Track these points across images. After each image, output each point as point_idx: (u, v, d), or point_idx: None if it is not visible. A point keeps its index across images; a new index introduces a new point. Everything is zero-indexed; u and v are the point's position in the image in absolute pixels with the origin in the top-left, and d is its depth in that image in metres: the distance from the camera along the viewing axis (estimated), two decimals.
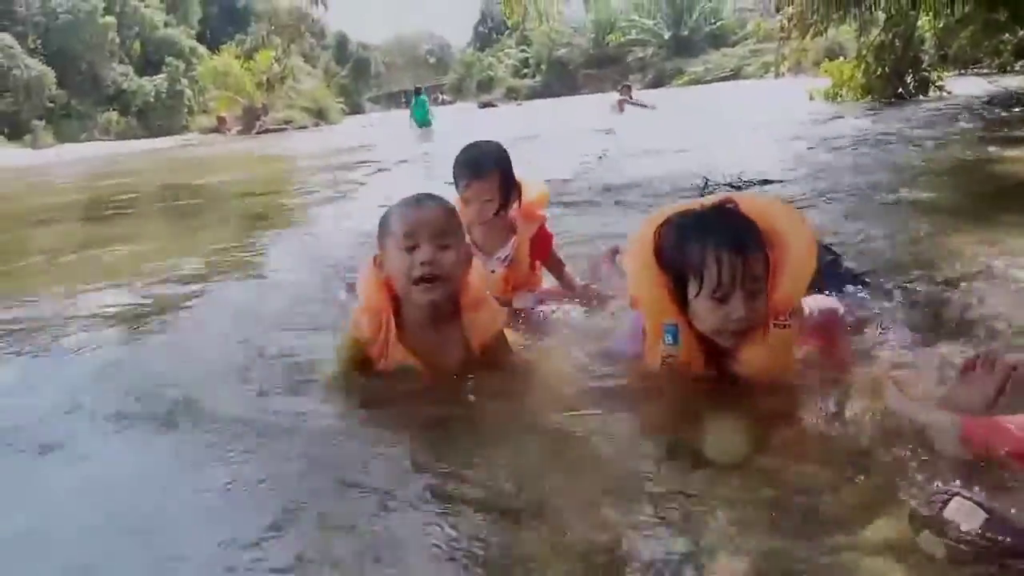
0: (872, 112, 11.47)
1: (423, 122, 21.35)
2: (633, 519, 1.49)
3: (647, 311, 2.07)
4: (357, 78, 68.74)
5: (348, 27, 75.31)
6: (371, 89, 71.69)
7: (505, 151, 2.98)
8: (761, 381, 1.99)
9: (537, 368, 2.36)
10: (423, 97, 22.44)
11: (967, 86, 13.11)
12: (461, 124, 21.03)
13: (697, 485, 1.59)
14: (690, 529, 1.44)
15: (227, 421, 2.12)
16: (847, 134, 8.76)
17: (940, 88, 13.10)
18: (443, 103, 55.00)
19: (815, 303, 2.09)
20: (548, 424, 1.97)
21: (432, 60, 78.72)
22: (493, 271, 3.01)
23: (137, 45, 48.17)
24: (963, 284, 2.72)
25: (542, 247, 3.09)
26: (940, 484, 1.43)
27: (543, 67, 64.05)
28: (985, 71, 14.71)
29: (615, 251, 3.25)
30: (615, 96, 20.63)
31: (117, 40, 46.29)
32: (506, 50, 69.81)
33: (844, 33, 16.94)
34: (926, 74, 13.28)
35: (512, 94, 58.65)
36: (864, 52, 13.59)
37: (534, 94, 57.16)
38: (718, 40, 53.52)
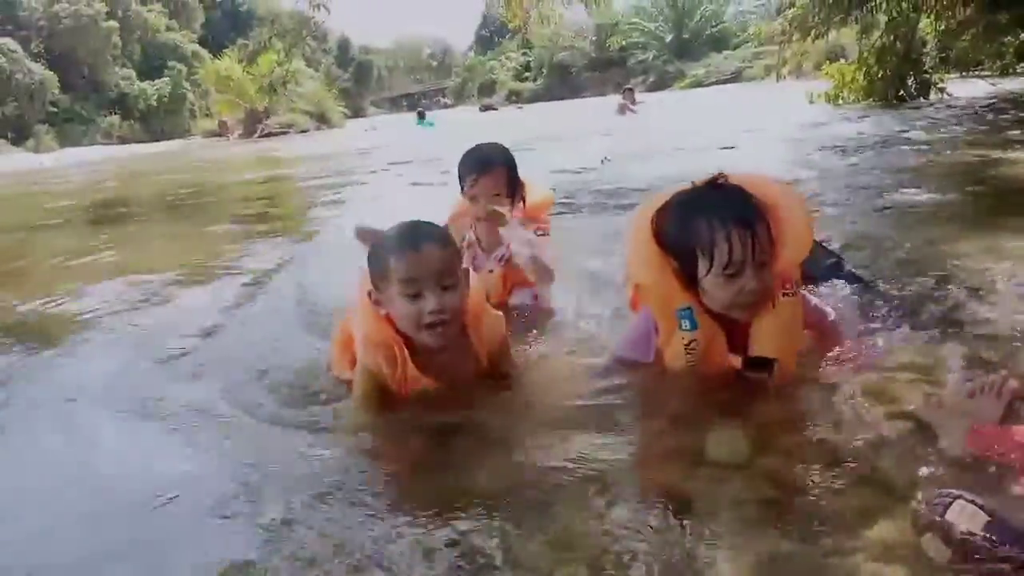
0: (873, 114, 11.46)
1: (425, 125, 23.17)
2: (635, 521, 1.49)
3: (656, 299, 2.06)
4: (359, 82, 68.94)
5: (350, 31, 75.32)
6: (373, 93, 71.80)
7: (509, 151, 2.99)
8: (778, 359, 1.99)
9: (541, 371, 2.36)
10: (431, 123, 24.24)
11: (969, 89, 13.11)
12: (463, 127, 21.11)
13: (699, 487, 1.59)
14: (692, 531, 1.44)
15: (230, 423, 2.13)
16: (848, 137, 8.75)
17: (942, 91, 13.09)
18: (444, 107, 55.11)
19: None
20: (549, 427, 1.97)
21: (434, 64, 78.87)
22: (491, 271, 3.02)
23: (139, 49, 48.26)
24: (965, 286, 2.71)
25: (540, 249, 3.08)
26: (943, 487, 1.43)
27: (545, 70, 64.11)
28: (987, 73, 14.69)
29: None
30: (618, 99, 20.65)
31: (120, 44, 46.42)
32: (508, 54, 69.91)
33: (845, 36, 16.90)
34: (927, 76, 13.27)
35: (513, 97, 58.75)
36: (865, 54, 13.58)
37: (535, 97, 57.23)
38: (719, 43, 53.54)
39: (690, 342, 2.00)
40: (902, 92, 13.18)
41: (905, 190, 4.95)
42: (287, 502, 1.68)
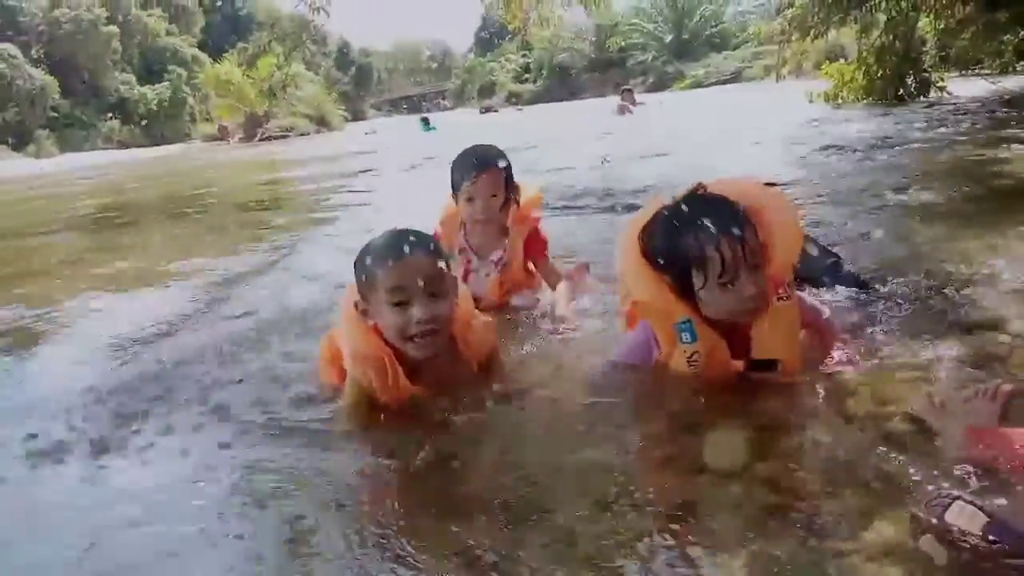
0: (873, 114, 11.46)
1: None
2: (634, 525, 1.49)
3: (655, 316, 2.06)
4: (359, 84, 69.06)
5: (350, 34, 75.39)
6: (373, 95, 71.88)
7: (504, 152, 2.99)
8: (781, 359, 2.01)
9: (540, 373, 2.36)
10: (433, 128, 24.50)
11: (969, 87, 13.10)
12: (467, 130, 21.16)
13: (697, 491, 1.59)
14: (691, 535, 1.44)
15: (236, 426, 2.14)
16: (848, 136, 8.75)
17: (941, 89, 13.08)
18: (444, 109, 55.14)
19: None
20: (547, 431, 1.98)
21: (434, 66, 78.94)
22: (488, 274, 3.02)
23: (139, 54, 48.35)
24: (965, 286, 2.71)
25: (536, 249, 3.09)
26: (941, 488, 1.43)
27: (544, 72, 64.23)
28: (986, 72, 14.67)
29: (585, 266, 3.26)
30: (616, 100, 20.66)
31: (120, 49, 46.51)
32: (507, 55, 70.02)
33: (845, 35, 16.91)
34: (927, 75, 13.26)
35: (513, 99, 58.84)
36: (865, 54, 13.57)
37: (535, 99, 57.32)
38: (719, 43, 53.60)
39: (692, 355, 2.01)
40: (902, 91, 13.17)
41: (904, 189, 4.95)
42: (281, 512, 1.68)
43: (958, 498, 1.34)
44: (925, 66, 13.41)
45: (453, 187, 2.96)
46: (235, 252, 5.22)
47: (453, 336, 2.12)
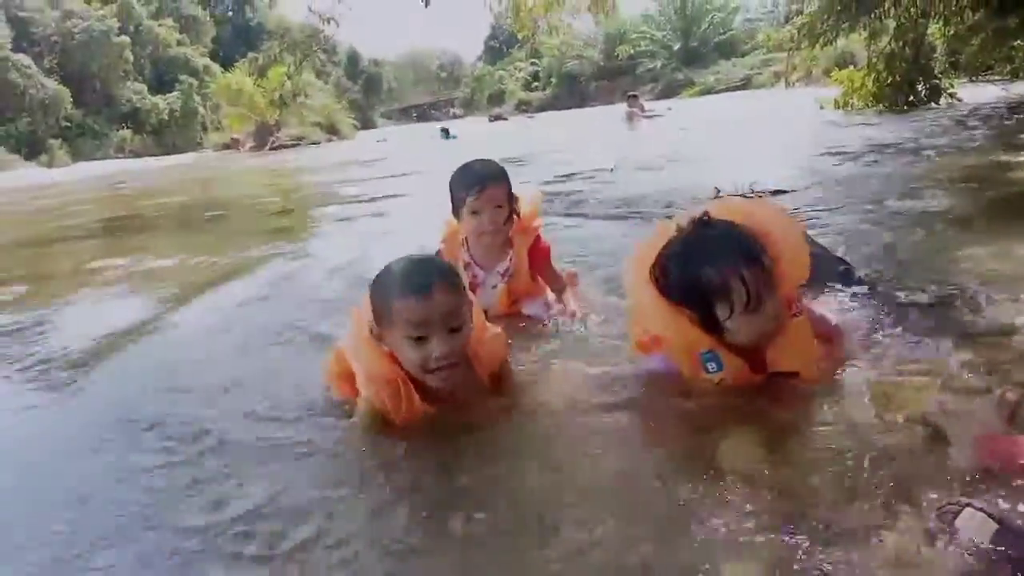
0: (883, 120, 11.44)
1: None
2: (645, 530, 1.50)
3: (678, 350, 2.05)
4: (369, 93, 69.32)
5: (360, 43, 75.81)
6: (383, 104, 72.15)
7: (501, 166, 3.02)
8: (799, 373, 2.02)
9: (551, 380, 2.37)
10: (454, 136, 24.54)
11: (978, 93, 13.07)
12: (484, 138, 21.27)
13: (710, 497, 1.60)
14: (704, 539, 1.44)
15: (232, 439, 2.16)
16: (858, 142, 8.74)
17: (951, 95, 13.05)
18: (454, 117, 55.29)
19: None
20: (558, 437, 1.99)
21: (443, 75, 79.13)
22: (495, 286, 3.04)
23: (151, 64, 48.71)
24: (975, 293, 2.71)
25: (539, 257, 3.10)
26: (952, 495, 1.44)
27: (553, 80, 64.37)
28: (997, 78, 14.62)
29: (573, 275, 3.29)
30: (624, 108, 20.69)
31: (131, 59, 46.85)
32: (517, 63, 70.21)
33: (854, 42, 16.89)
34: (937, 82, 13.24)
35: (523, 107, 58.95)
36: (874, 60, 13.56)
37: (544, 107, 57.39)
38: (728, 50, 53.59)
39: (719, 381, 2.01)
40: (912, 97, 13.15)
41: (915, 196, 4.94)
42: (293, 524, 1.69)
43: (968, 505, 1.34)
44: (935, 72, 13.38)
45: (454, 203, 2.97)
46: (258, 257, 5.25)
47: (465, 352, 2.08)
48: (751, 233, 1.92)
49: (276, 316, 3.50)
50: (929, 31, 13.19)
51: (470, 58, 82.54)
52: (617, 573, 1.39)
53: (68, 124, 43.12)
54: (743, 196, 5.43)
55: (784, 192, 5.57)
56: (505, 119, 41.09)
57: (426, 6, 10.42)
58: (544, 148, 13.46)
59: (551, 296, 3.12)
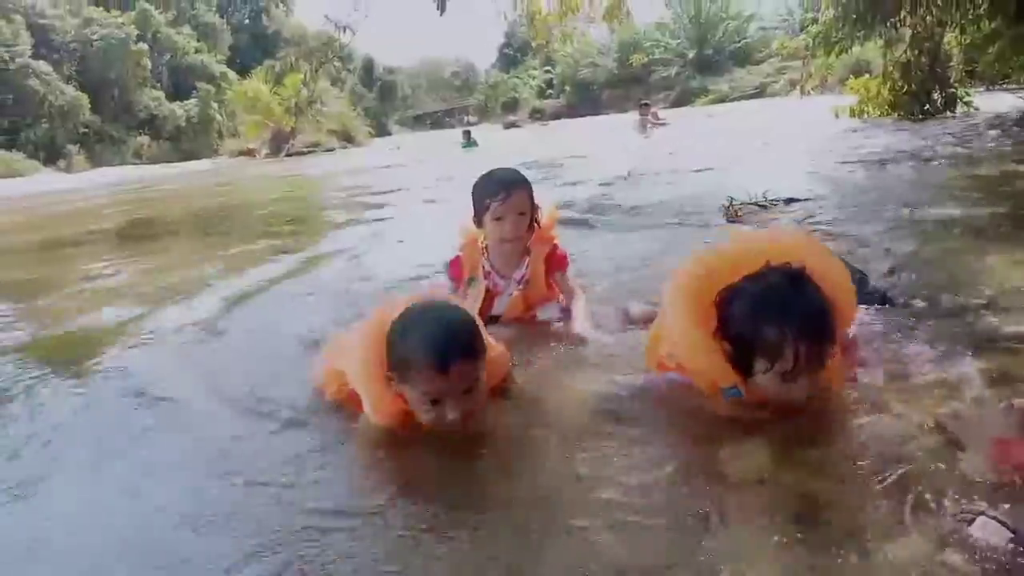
0: (898, 129, 11.39)
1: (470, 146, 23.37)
2: (655, 536, 1.51)
3: (698, 377, 2.03)
4: (384, 101, 69.57)
5: (375, 51, 76.15)
6: (398, 111, 72.40)
7: (524, 174, 3.05)
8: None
9: (563, 385, 2.39)
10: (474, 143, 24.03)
11: (995, 102, 12.98)
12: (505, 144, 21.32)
13: (721, 502, 1.61)
14: (714, 547, 1.45)
15: (234, 437, 2.19)
16: (873, 151, 8.71)
17: (968, 104, 12.98)
18: (469, 124, 55.38)
19: None
20: (569, 444, 1.99)
21: (457, 82, 79.32)
22: (511, 293, 3.07)
23: (168, 71, 49.13)
24: (989, 302, 2.71)
25: (556, 265, 3.12)
26: (966, 502, 1.44)
27: (567, 87, 64.37)
28: (1014, 86, 14.52)
29: (626, 312, 3.18)
30: (635, 116, 20.70)
31: (149, 66, 47.29)
32: (531, 71, 70.30)
33: (870, 50, 16.82)
34: (953, 90, 13.16)
35: (536, 114, 58.95)
36: (890, 69, 13.50)
37: (558, 114, 57.36)
38: (743, 58, 53.38)
39: (733, 404, 2.00)
40: (927, 106, 13.08)
41: (930, 204, 4.93)
42: (295, 521, 1.71)
43: (982, 512, 1.35)
44: (951, 81, 13.31)
45: (477, 209, 3.00)
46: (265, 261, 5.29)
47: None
48: (832, 311, 1.84)
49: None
50: (946, 40, 13.12)
51: (484, 66, 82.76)
52: None
53: (86, 130, 43.51)
54: (757, 204, 5.45)
55: (797, 200, 5.57)
56: (520, 126, 41.17)
57: (441, 14, 10.46)
58: (558, 155, 13.48)
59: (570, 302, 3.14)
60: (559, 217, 3.25)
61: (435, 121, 72.80)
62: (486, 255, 3.10)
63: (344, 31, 13.48)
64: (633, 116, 21.66)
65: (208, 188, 16.87)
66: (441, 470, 1.92)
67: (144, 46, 46.99)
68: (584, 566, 1.45)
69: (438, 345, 1.90)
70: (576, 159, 12.35)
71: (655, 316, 2.83)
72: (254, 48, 55.58)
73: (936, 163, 7.26)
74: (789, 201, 5.55)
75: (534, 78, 69.56)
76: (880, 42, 13.82)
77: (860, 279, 2.93)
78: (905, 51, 13.10)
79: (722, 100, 44.67)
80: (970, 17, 12.01)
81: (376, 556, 1.56)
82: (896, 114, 13.33)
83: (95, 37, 44.95)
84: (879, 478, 1.63)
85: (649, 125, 19.28)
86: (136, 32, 46.70)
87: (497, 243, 3.03)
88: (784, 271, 1.88)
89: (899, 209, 4.86)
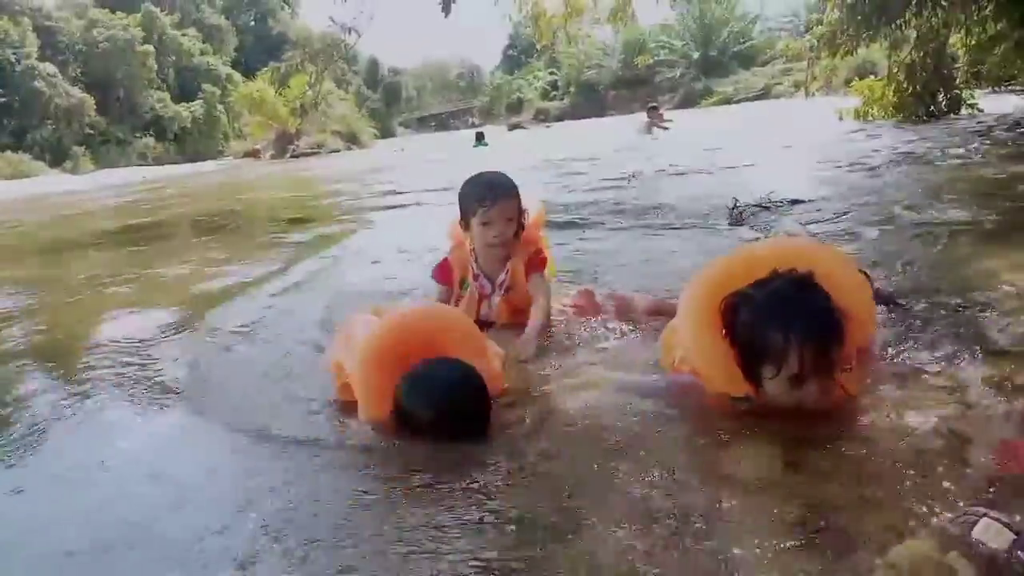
0: (903, 131, 11.37)
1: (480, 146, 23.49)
2: (661, 538, 1.51)
3: (711, 384, 2.03)
4: (388, 102, 69.66)
5: (379, 52, 76.20)
6: (402, 113, 72.49)
7: (512, 179, 3.03)
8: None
9: (567, 385, 2.39)
10: (486, 144, 24.04)
11: (1000, 104, 12.95)
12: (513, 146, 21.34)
13: (727, 504, 1.61)
14: (720, 549, 1.45)
15: (241, 440, 2.19)
16: (877, 153, 8.70)
17: (972, 106, 12.95)
18: (473, 126, 55.41)
19: None
20: (573, 444, 2.00)
21: (462, 84, 79.39)
22: (496, 299, 3.04)
23: (174, 73, 49.27)
24: (994, 304, 2.70)
25: (532, 267, 3.04)
26: (969, 504, 1.44)
27: (572, 89, 64.39)
28: (1019, 88, 14.48)
29: (589, 293, 3.17)
30: (642, 117, 20.67)
31: (155, 68, 47.45)
32: (535, 73, 70.33)
33: (875, 52, 16.81)
34: (958, 92, 13.13)
35: (541, 116, 58.98)
36: (895, 70, 13.49)
37: (563, 116, 57.39)
38: (747, 60, 53.34)
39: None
40: (932, 108, 13.05)
41: (934, 206, 4.92)
42: (303, 523, 1.72)
43: (986, 514, 1.35)
44: (956, 83, 13.28)
45: (464, 213, 2.98)
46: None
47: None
48: (840, 316, 1.83)
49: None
50: (951, 41, 13.09)
51: (489, 67, 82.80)
52: None
53: (92, 131, 43.71)
54: (761, 206, 5.44)
55: (802, 202, 5.57)
56: (525, 128, 41.19)
57: (446, 16, 10.46)
58: (563, 156, 13.49)
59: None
60: (545, 220, 3.21)
61: (440, 123, 72.90)
62: (474, 258, 3.08)
63: (349, 33, 13.51)
64: (640, 118, 21.62)
65: (222, 188, 16.90)
66: (441, 470, 1.92)
67: (150, 47, 47.20)
68: (590, 567, 1.45)
69: (445, 391, 2.04)
70: (580, 161, 12.34)
71: (657, 307, 2.85)
72: (260, 50, 55.73)
73: (940, 165, 7.25)
74: (794, 203, 5.54)
75: (538, 80, 69.57)
76: (885, 44, 13.81)
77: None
78: (910, 53, 13.09)
79: (727, 102, 44.61)
80: (975, 19, 11.98)
81: (376, 563, 1.56)
82: (901, 116, 13.31)
83: (101, 39, 45.16)
84: (884, 480, 1.63)
85: (653, 128, 19.24)
86: (142, 34, 46.89)
87: (483, 247, 3.01)
88: (790, 276, 1.89)
89: (903, 211, 4.86)
